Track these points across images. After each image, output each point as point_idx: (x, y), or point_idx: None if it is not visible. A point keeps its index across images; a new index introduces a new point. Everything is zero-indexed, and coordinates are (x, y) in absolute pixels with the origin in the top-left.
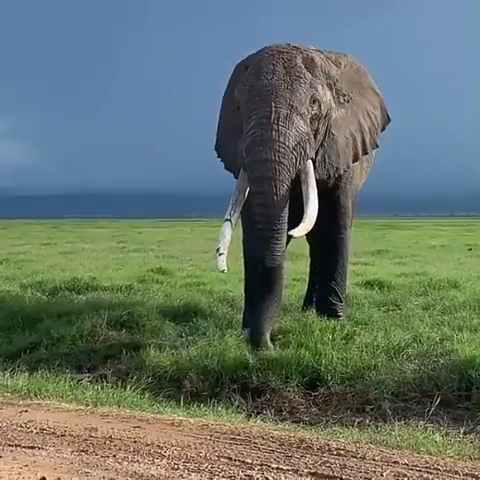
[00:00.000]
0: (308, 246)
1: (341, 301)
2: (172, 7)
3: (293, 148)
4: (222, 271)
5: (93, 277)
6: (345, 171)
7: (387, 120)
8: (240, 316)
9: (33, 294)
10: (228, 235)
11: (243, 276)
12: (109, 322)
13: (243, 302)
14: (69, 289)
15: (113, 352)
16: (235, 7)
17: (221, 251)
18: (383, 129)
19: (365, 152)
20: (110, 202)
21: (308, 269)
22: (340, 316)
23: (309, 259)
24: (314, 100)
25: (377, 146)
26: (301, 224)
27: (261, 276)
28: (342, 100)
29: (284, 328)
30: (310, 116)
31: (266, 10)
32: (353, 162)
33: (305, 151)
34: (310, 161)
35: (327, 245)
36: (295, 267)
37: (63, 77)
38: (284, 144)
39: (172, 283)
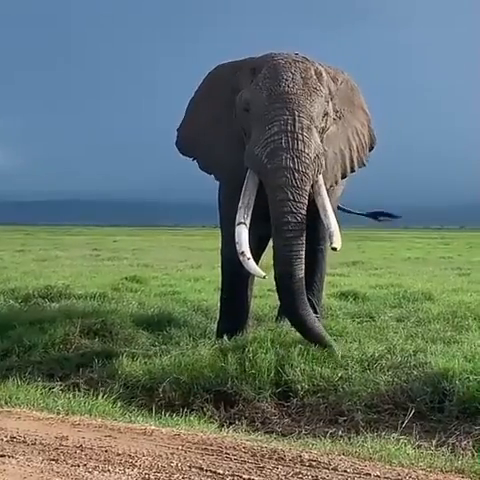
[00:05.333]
0: None
1: (316, 312)
2: (166, 6)
3: (313, 160)
4: (263, 277)
5: (67, 285)
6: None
7: (373, 141)
8: (214, 325)
9: (6, 301)
10: (246, 238)
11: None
12: (82, 330)
13: (218, 311)
14: (42, 297)
15: (85, 360)
16: (230, 7)
17: (248, 256)
18: (370, 149)
19: (352, 170)
20: (86, 209)
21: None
22: None
23: None
24: (325, 113)
25: (364, 165)
26: (334, 237)
27: (289, 290)
28: (334, 116)
29: (258, 338)
30: (319, 129)
31: (249, 15)
32: (341, 178)
33: (321, 164)
34: (321, 174)
35: (305, 256)
36: (270, 277)
37: (43, 85)
38: (308, 155)
39: (146, 292)
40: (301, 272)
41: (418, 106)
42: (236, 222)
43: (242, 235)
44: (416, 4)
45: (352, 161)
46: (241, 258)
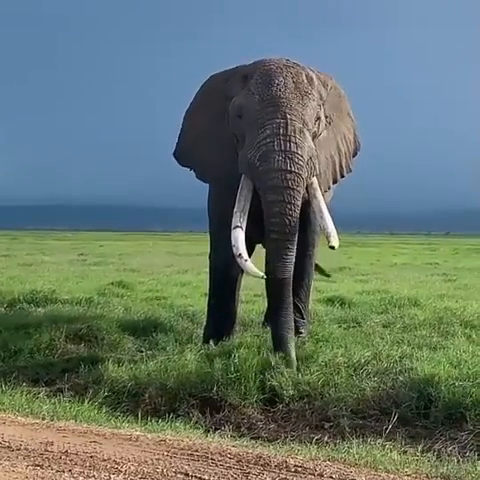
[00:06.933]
0: None
1: (303, 318)
2: (155, 6)
3: (306, 162)
4: (262, 277)
5: (52, 290)
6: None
7: (358, 147)
8: (201, 331)
9: None
10: (243, 240)
11: (206, 291)
12: (68, 335)
13: (204, 317)
14: (28, 301)
15: (71, 366)
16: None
17: (245, 257)
18: (354, 155)
19: (342, 175)
20: (72, 214)
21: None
22: (301, 333)
23: None
24: (318, 118)
25: (350, 171)
26: (331, 237)
27: (272, 289)
28: (325, 122)
29: (244, 344)
30: (312, 133)
31: (238, 23)
32: (333, 184)
33: (314, 166)
34: (315, 177)
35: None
36: (256, 282)
37: (29, 88)
38: (302, 157)
39: (132, 297)
40: (289, 278)
41: (403, 110)
42: (232, 226)
43: (239, 238)
44: (400, 5)
45: (341, 167)
46: (238, 260)
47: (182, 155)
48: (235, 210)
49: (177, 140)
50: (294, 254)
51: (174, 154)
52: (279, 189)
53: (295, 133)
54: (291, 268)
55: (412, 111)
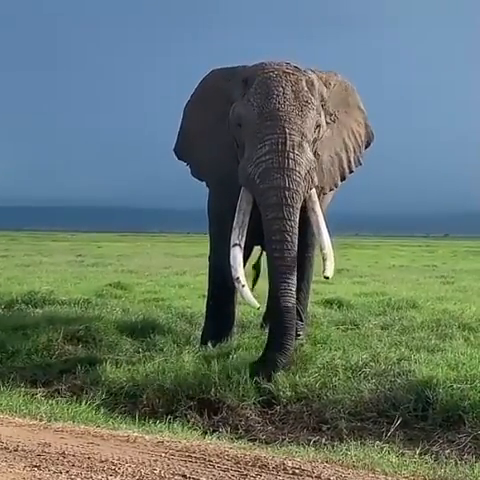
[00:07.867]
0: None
1: (302, 320)
2: (151, 7)
3: (304, 176)
4: (258, 308)
5: (50, 291)
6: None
7: (371, 137)
8: (199, 332)
9: None
10: (241, 261)
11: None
12: (65, 336)
13: (202, 318)
14: (26, 302)
15: (69, 367)
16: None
17: (243, 282)
18: (367, 146)
19: (351, 171)
20: (71, 215)
21: (267, 286)
22: (299, 335)
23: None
24: (318, 125)
25: (360, 164)
26: (327, 261)
27: (276, 312)
28: (328, 120)
29: (242, 345)
30: (312, 141)
31: (239, 23)
32: (340, 181)
33: (313, 179)
34: (314, 189)
35: None
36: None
37: (27, 87)
38: (299, 173)
39: (130, 298)
40: (293, 301)
41: (403, 110)
42: (231, 243)
43: (237, 259)
44: (400, 5)
45: (349, 162)
46: (236, 284)
47: (181, 150)
48: (234, 226)
49: (177, 134)
50: (295, 276)
51: (174, 149)
52: (278, 206)
53: (293, 149)
54: (294, 293)
55: (412, 111)
